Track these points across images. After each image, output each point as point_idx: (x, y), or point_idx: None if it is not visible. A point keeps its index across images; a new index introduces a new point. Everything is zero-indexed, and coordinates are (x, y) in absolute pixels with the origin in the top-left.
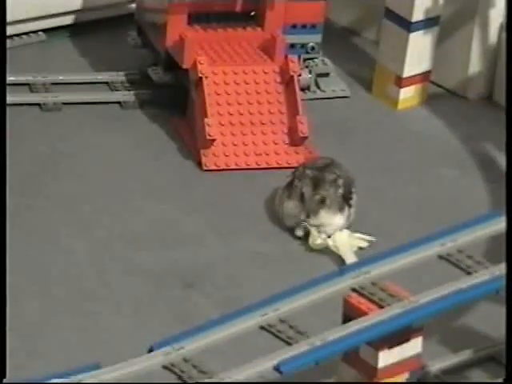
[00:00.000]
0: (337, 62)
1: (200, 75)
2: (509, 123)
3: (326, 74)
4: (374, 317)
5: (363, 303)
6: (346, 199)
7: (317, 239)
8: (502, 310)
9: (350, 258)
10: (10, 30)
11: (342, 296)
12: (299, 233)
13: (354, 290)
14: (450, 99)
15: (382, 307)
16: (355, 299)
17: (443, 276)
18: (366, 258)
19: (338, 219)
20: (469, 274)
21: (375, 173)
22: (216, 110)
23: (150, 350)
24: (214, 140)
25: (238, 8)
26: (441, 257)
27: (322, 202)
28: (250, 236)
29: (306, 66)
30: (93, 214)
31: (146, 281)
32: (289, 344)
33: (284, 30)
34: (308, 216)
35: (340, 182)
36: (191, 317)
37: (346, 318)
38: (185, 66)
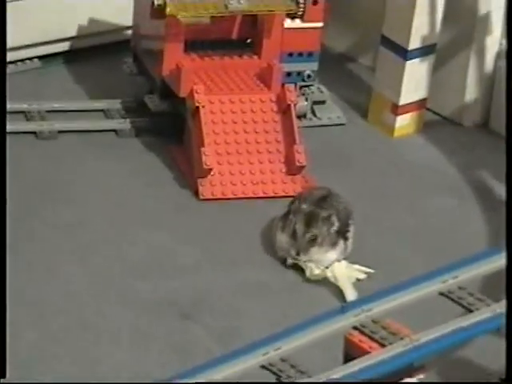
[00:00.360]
0: (333, 88)
1: (197, 104)
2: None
3: (322, 102)
4: (376, 356)
5: (365, 342)
6: (342, 233)
7: (314, 270)
8: (501, 343)
9: (349, 291)
10: None
11: (344, 334)
12: (289, 262)
13: (355, 328)
14: (446, 127)
15: (383, 346)
16: (357, 337)
17: (445, 312)
18: (365, 292)
19: (331, 255)
20: (470, 311)
21: (372, 200)
22: (213, 138)
23: None
24: (210, 169)
25: (234, 35)
26: (442, 294)
27: (313, 240)
28: (248, 265)
29: (303, 94)
30: (90, 242)
31: (143, 311)
32: None
33: (281, 58)
34: (298, 253)
35: (334, 218)
36: (190, 348)
37: (348, 357)
38: (181, 95)
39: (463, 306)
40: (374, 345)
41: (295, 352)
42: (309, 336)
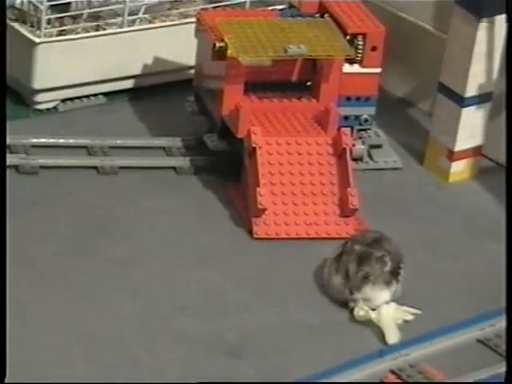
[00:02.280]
0: (391, 132)
1: (253, 145)
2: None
3: (379, 146)
4: None
5: None
6: (394, 274)
7: (360, 311)
8: None
9: (392, 334)
10: (71, 93)
11: (379, 378)
12: (351, 305)
13: (392, 371)
14: (501, 173)
15: None
16: (392, 381)
17: (482, 360)
18: (411, 334)
19: (384, 294)
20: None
21: (423, 245)
22: (268, 179)
23: None
24: (265, 209)
25: (295, 78)
26: (479, 341)
27: (366, 278)
28: (298, 305)
29: (360, 137)
30: (143, 279)
31: (192, 349)
32: None
33: (339, 101)
34: (352, 292)
35: (387, 258)
36: None
37: None
38: (239, 136)
39: (499, 354)
40: None
41: None
42: (346, 378)
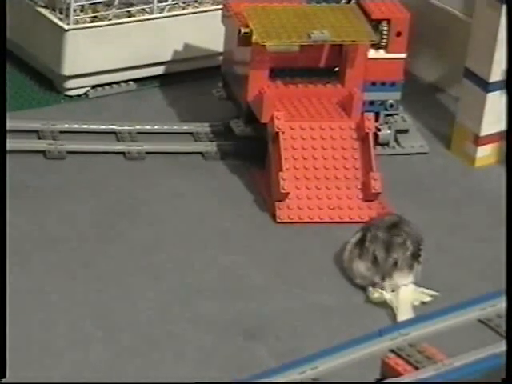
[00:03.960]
0: (419, 117)
1: (277, 130)
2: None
3: (406, 131)
4: (406, 378)
5: (400, 364)
6: (415, 256)
7: (375, 293)
8: None
9: (404, 315)
10: (102, 79)
11: (381, 357)
12: (375, 295)
13: (391, 351)
14: None
15: (417, 369)
16: (393, 360)
17: (482, 339)
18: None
19: (409, 277)
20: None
21: (446, 229)
22: (292, 164)
23: None
24: (287, 193)
25: (322, 64)
26: (480, 321)
27: (395, 264)
28: (317, 289)
29: (386, 122)
30: (165, 262)
31: (209, 330)
32: None
33: (364, 87)
34: (383, 279)
35: (408, 242)
36: (251, 368)
37: (384, 378)
38: (263, 121)
39: (500, 334)
40: (409, 368)
41: (331, 372)
42: (346, 357)
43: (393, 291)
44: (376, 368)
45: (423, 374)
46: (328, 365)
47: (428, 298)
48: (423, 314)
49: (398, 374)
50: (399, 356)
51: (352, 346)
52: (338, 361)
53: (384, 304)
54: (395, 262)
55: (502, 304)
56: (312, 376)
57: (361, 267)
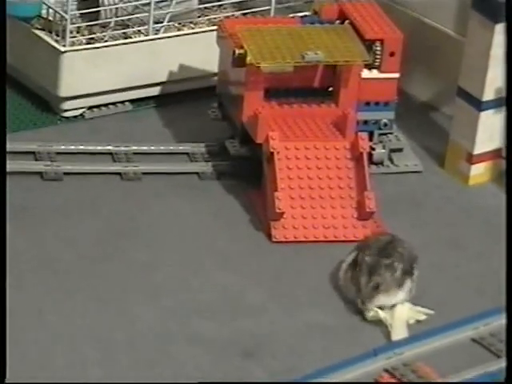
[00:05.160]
0: (413, 136)
1: (271, 150)
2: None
3: (400, 149)
4: None
5: None
6: (408, 274)
7: (370, 312)
8: None
9: (398, 333)
10: (98, 101)
11: (374, 376)
12: (371, 314)
13: (386, 370)
14: None
15: None
16: (386, 380)
17: (476, 358)
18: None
19: (399, 296)
20: (499, 357)
21: (441, 247)
22: (287, 183)
23: None
24: (283, 213)
25: (316, 84)
26: (474, 340)
27: (376, 288)
28: (312, 308)
29: (380, 141)
30: (163, 282)
31: (207, 350)
32: None
33: (358, 106)
34: (363, 303)
35: (396, 264)
36: None
37: None
38: (258, 141)
39: (493, 352)
40: None
41: None
42: (340, 377)
43: (391, 308)
44: None
45: None
46: None
47: (423, 317)
48: (417, 332)
49: None
50: (393, 375)
51: (347, 366)
52: (333, 380)
53: (380, 322)
54: (376, 286)
55: (494, 323)
56: None
57: (351, 292)
